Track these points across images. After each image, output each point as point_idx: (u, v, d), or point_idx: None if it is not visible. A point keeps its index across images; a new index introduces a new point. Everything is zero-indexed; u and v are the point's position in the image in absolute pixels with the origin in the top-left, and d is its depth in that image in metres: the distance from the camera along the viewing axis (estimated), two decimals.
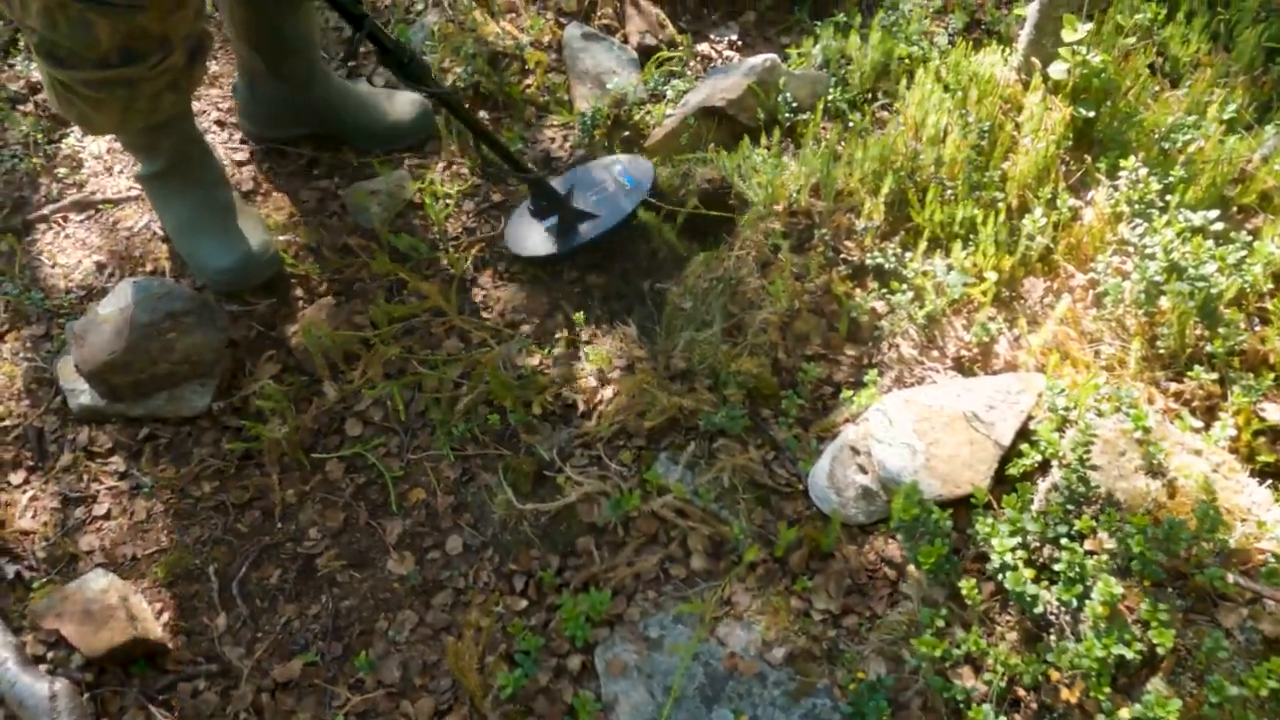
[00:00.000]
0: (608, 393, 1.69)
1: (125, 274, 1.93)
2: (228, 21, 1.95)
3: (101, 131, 1.78)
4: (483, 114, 2.26)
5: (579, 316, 1.80)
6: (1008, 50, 2.09)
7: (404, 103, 2.17)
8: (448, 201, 2.06)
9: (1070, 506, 1.37)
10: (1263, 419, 1.50)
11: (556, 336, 1.83)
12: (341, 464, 1.70)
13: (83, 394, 1.73)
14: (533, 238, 1.93)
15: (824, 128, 2.11)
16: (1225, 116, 1.95)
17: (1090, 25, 1.82)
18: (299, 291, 1.93)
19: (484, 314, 1.89)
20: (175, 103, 1.68)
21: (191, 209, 1.86)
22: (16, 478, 1.68)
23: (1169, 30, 2.26)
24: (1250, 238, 1.65)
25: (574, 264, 1.97)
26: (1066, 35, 1.83)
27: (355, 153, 2.16)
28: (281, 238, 1.99)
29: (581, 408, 1.69)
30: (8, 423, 1.74)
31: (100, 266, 1.96)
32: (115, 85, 1.55)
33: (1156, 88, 2.07)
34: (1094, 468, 1.38)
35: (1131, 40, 2.00)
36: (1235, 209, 1.78)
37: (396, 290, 1.93)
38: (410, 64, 1.72)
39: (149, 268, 1.96)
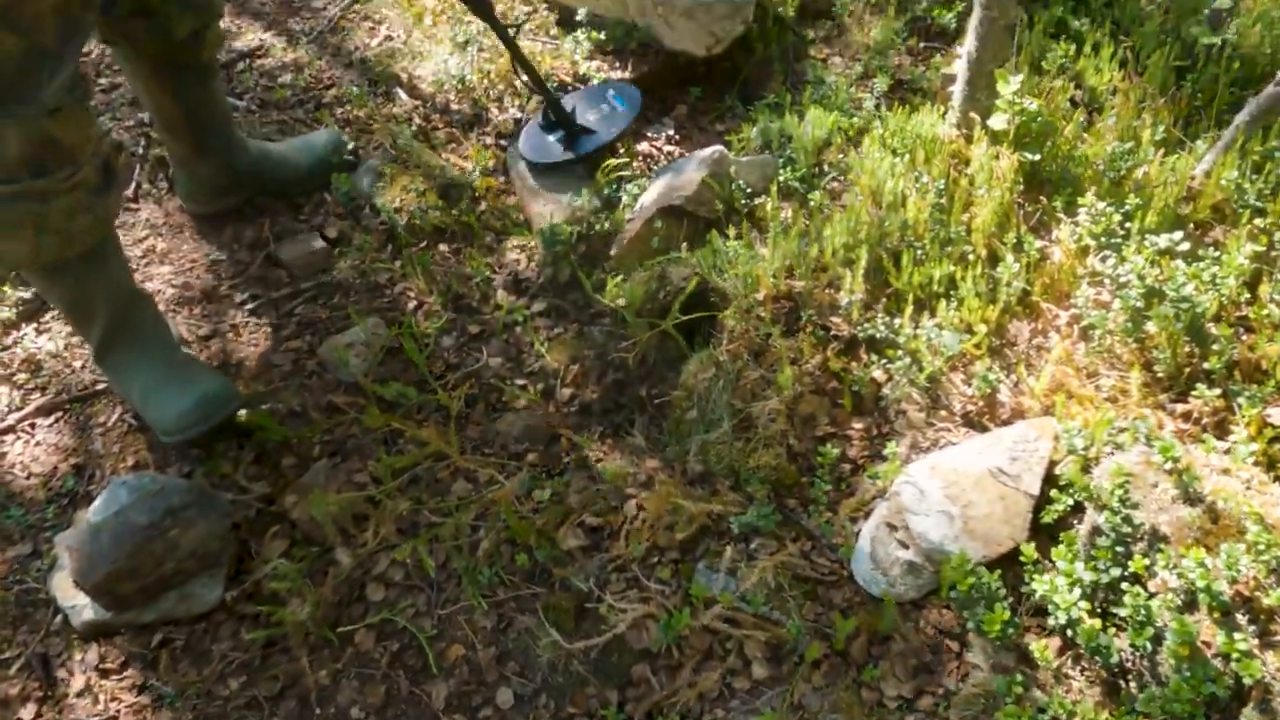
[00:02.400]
0: (631, 509, 1.67)
1: (109, 473, 1.86)
2: (153, 116, 2.13)
3: (17, 264, 1.75)
4: (442, 246, 2.26)
5: (584, 439, 1.78)
6: (940, 108, 2.16)
7: (314, 144, 2.34)
8: (426, 341, 2.04)
9: (1119, 548, 1.38)
10: (1274, 425, 1.54)
11: (565, 461, 1.80)
12: (371, 633, 1.63)
13: (85, 609, 1.64)
14: (546, 147, 2.32)
15: (782, 207, 2.15)
16: (1157, 138, 2.04)
17: (1021, 76, 1.90)
18: (291, 459, 1.87)
19: (486, 450, 1.86)
20: (91, 228, 1.67)
21: (145, 374, 1.84)
22: (27, 713, 1.58)
23: (1081, 63, 2.37)
24: (1216, 251, 1.71)
25: (565, 383, 1.96)
26: (1001, 89, 1.90)
27: (290, 208, 2.31)
28: (264, 406, 1.94)
29: (608, 530, 1.66)
30: (8, 654, 1.65)
31: (79, 470, 1.89)
32: (27, 199, 1.56)
33: (1084, 119, 2.16)
34: (1135, 506, 1.39)
35: (1055, 82, 2.09)
36: (1193, 225, 1.85)
37: (392, 441, 1.89)
38: None
39: (131, 462, 1.89)
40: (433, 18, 2.76)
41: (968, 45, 1.95)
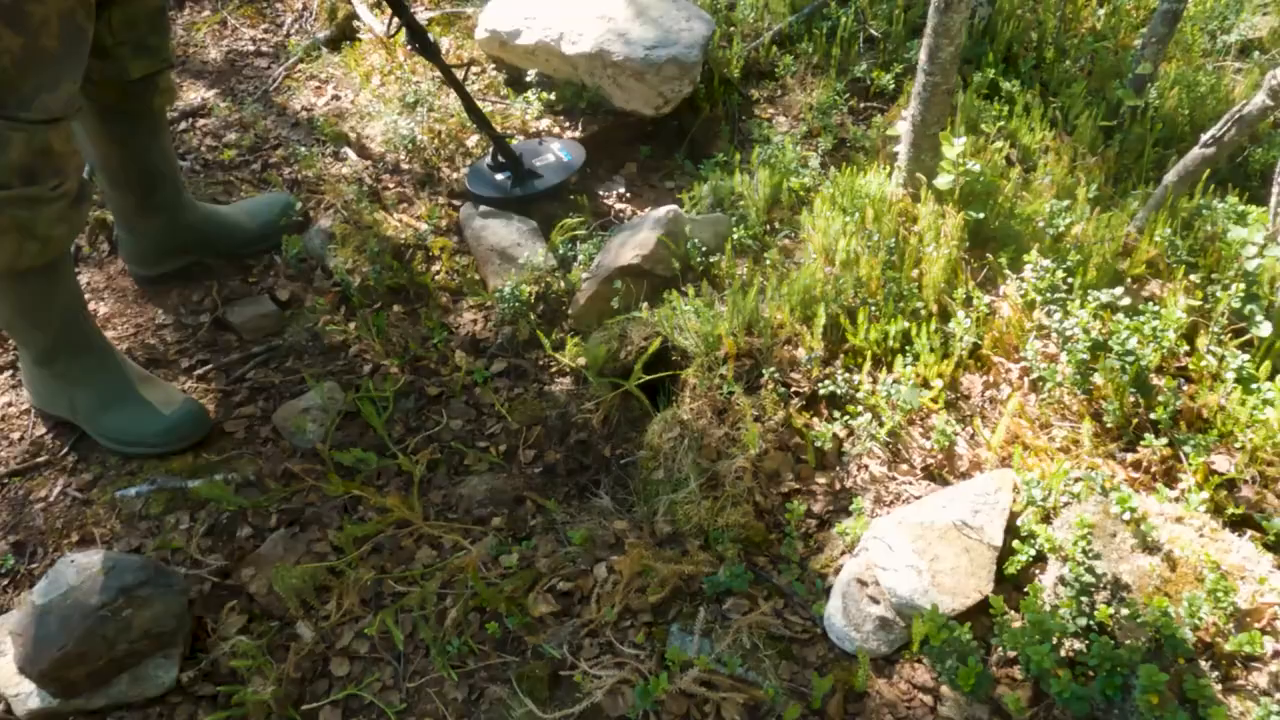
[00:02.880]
0: (602, 572, 1.66)
1: (52, 551, 1.78)
2: (100, 170, 2.08)
3: None
4: (397, 307, 2.24)
5: (552, 504, 1.77)
6: (885, 167, 2.23)
7: (260, 207, 2.33)
8: (384, 405, 2.01)
9: (1084, 598, 1.42)
10: (1219, 474, 1.60)
11: (531, 524, 1.79)
12: (336, 709, 1.58)
13: (31, 697, 1.56)
14: (493, 184, 2.39)
15: (737, 264, 2.18)
16: (1091, 195, 2.14)
17: (964, 140, 1.98)
18: (247, 530, 1.82)
19: (450, 515, 1.83)
20: (65, 236, 1.73)
21: (100, 382, 1.90)
22: None
23: (1014, 123, 2.48)
24: (1155, 305, 1.79)
25: (528, 444, 1.95)
26: (946, 150, 1.98)
27: (239, 270, 2.29)
28: (217, 476, 1.89)
29: (579, 595, 1.65)
30: None
31: (20, 548, 1.80)
32: (17, 205, 1.61)
33: (1021, 177, 2.25)
34: (1097, 556, 1.43)
35: (994, 143, 2.17)
36: (1130, 280, 1.94)
37: (352, 508, 1.85)
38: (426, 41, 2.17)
39: (76, 538, 1.81)
40: (380, 77, 2.77)
41: (911, 109, 2.02)
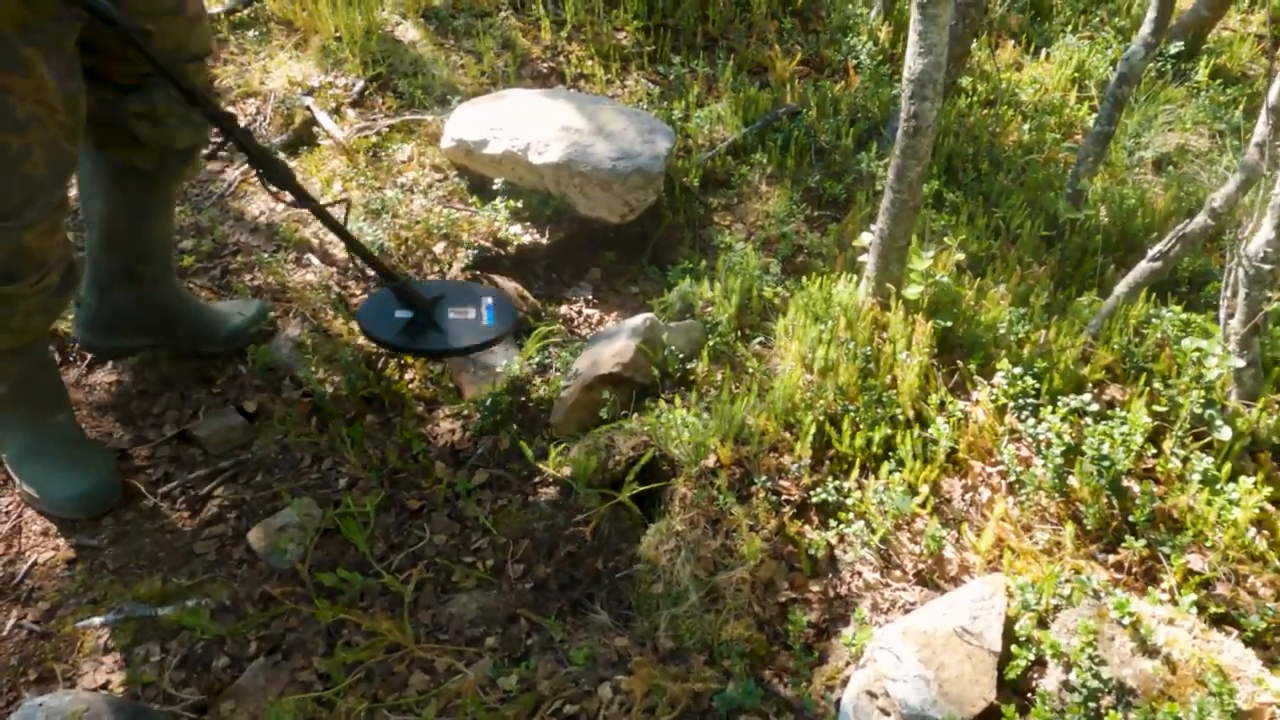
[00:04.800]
0: (607, 693, 1.63)
1: (8, 692, 1.66)
2: (94, 228, 2.04)
3: None
4: (370, 417, 2.20)
5: (550, 621, 1.74)
6: (850, 276, 2.32)
7: (237, 311, 2.28)
8: (365, 520, 1.96)
9: (1091, 704, 1.45)
10: (1196, 573, 1.68)
11: (527, 643, 1.75)
12: None
13: None
14: (385, 322, 2.10)
15: (714, 370, 2.22)
16: (1043, 302, 2.26)
17: (933, 253, 2.08)
18: (224, 660, 1.73)
19: (441, 636, 1.78)
20: (43, 325, 1.74)
21: (34, 436, 1.90)
22: None
23: (961, 232, 2.62)
24: (1120, 411, 1.89)
25: (516, 558, 1.91)
26: (916, 263, 2.07)
27: (202, 381, 2.22)
28: (188, 602, 1.80)
29: (585, 718, 1.61)
30: None
31: None
32: None
33: (977, 285, 2.37)
34: (1101, 662, 1.48)
35: (952, 255, 2.29)
36: (1092, 385, 2.04)
37: (336, 632, 1.78)
38: (277, 168, 1.85)
39: (33, 675, 1.69)
40: (342, 183, 2.76)
41: (880, 224, 2.12)
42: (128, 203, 2.01)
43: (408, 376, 2.27)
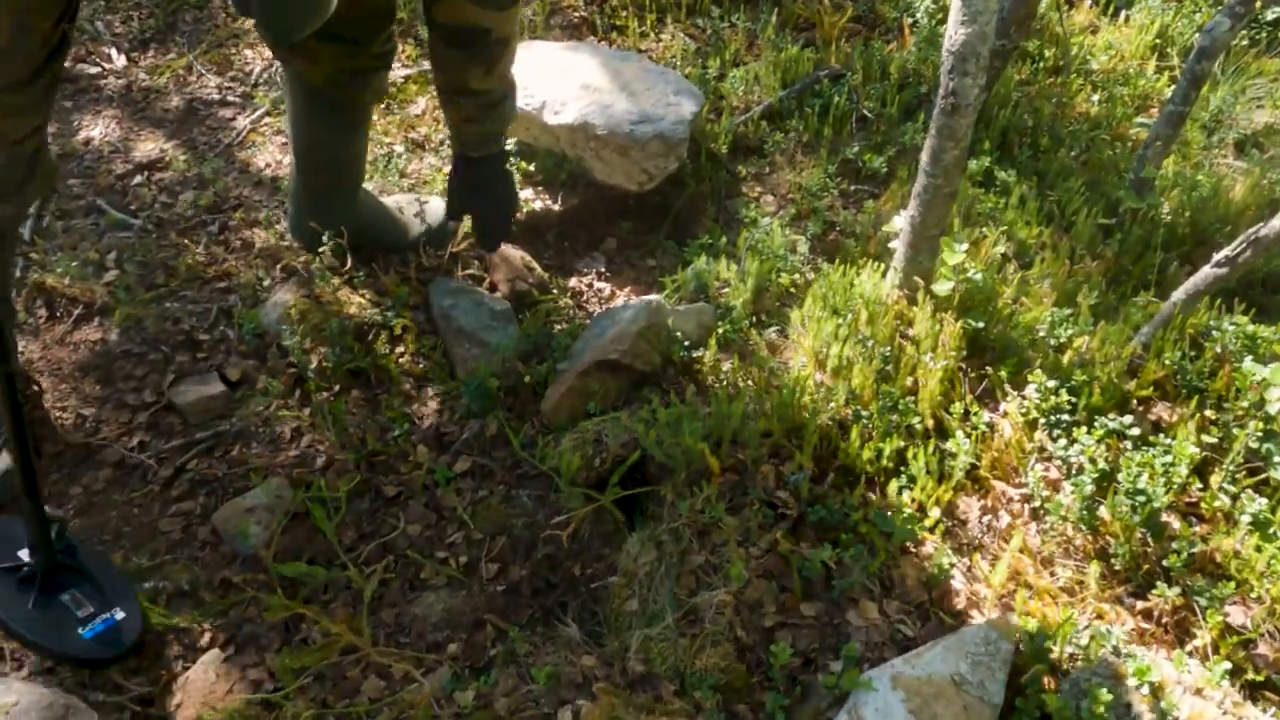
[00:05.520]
0: (566, 717, 1.51)
1: None
2: (290, 142, 2.15)
3: None
4: (356, 392, 2.09)
5: (515, 633, 1.62)
6: (878, 265, 2.12)
7: (430, 212, 2.34)
8: (337, 505, 1.85)
9: None
10: (1235, 629, 1.49)
11: (491, 653, 1.64)
12: None
13: None
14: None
15: (721, 359, 2.06)
16: (1091, 303, 2.04)
17: (966, 245, 1.88)
18: (176, 649, 1.65)
19: (402, 639, 1.68)
20: (5, 214, 1.64)
21: None
22: None
23: (1009, 215, 2.39)
24: (1166, 437, 1.69)
25: (491, 556, 1.80)
26: (947, 257, 1.87)
27: (189, 345, 2.14)
28: (145, 584, 1.72)
29: None
30: None
31: None
32: None
33: (1018, 275, 2.16)
34: None
35: (996, 248, 2.08)
36: (1136, 401, 1.83)
37: (294, 626, 1.69)
38: None
39: None
40: None
41: (911, 210, 1.92)
42: (314, 122, 2.05)
43: (397, 351, 2.15)
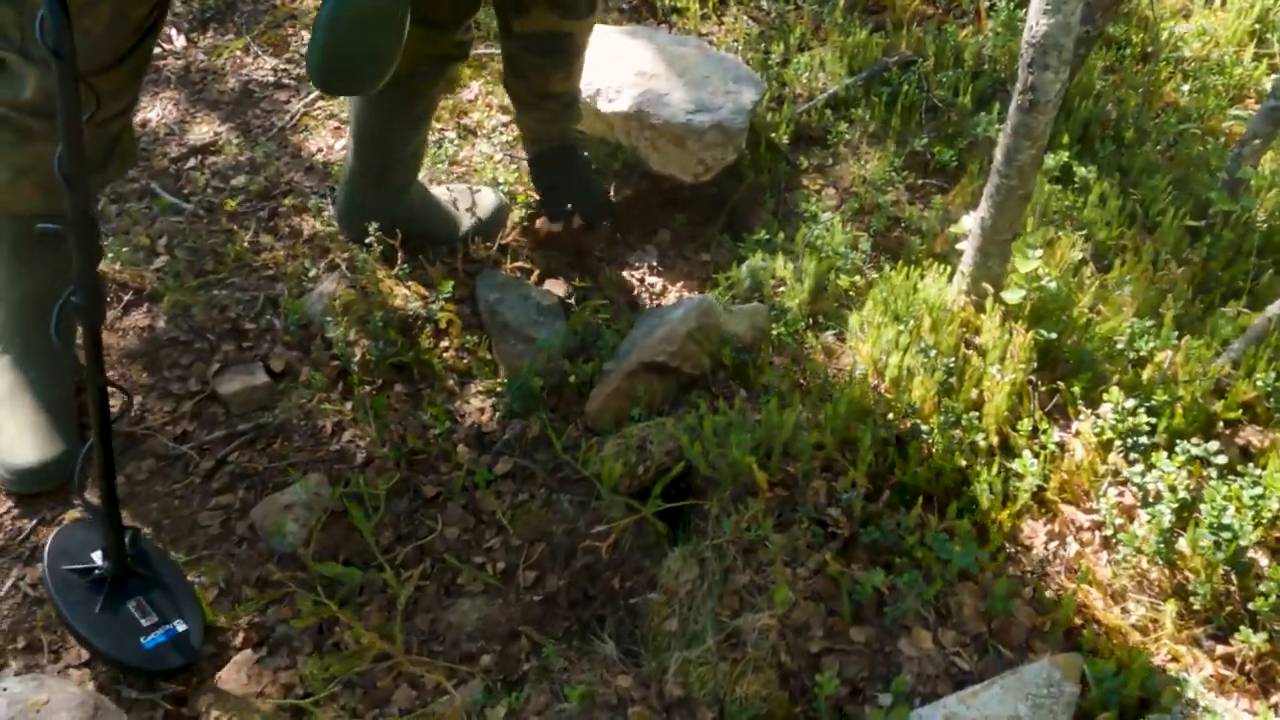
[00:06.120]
0: None
1: None
2: (350, 128, 2.10)
3: None
4: (399, 387, 2.04)
5: (550, 648, 1.57)
6: (942, 267, 2.01)
7: (481, 203, 2.28)
8: (375, 504, 1.82)
9: None
10: None
11: (524, 668, 1.59)
12: None
13: None
14: (74, 566, 1.61)
15: (773, 363, 1.97)
16: (1175, 313, 1.90)
17: (1040, 253, 1.76)
18: (210, 648, 1.63)
19: (435, 648, 1.63)
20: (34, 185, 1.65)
21: (8, 386, 1.80)
22: None
23: (1088, 214, 2.25)
24: (1256, 466, 1.56)
25: (529, 563, 1.74)
26: (1020, 264, 1.75)
27: (235, 334, 2.11)
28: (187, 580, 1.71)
29: None
30: None
31: None
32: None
33: (1095, 280, 2.02)
34: None
35: (1073, 252, 1.95)
36: (1222, 424, 1.70)
37: (328, 629, 1.66)
38: None
39: (22, 643, 1.63)
40: None
41: (981, 211, 1.80)
42: (381, 114, 2.01)
43: (442, 345, 2.11)
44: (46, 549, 1.63)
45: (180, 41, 2.95)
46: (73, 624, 1.58)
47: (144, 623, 1.58)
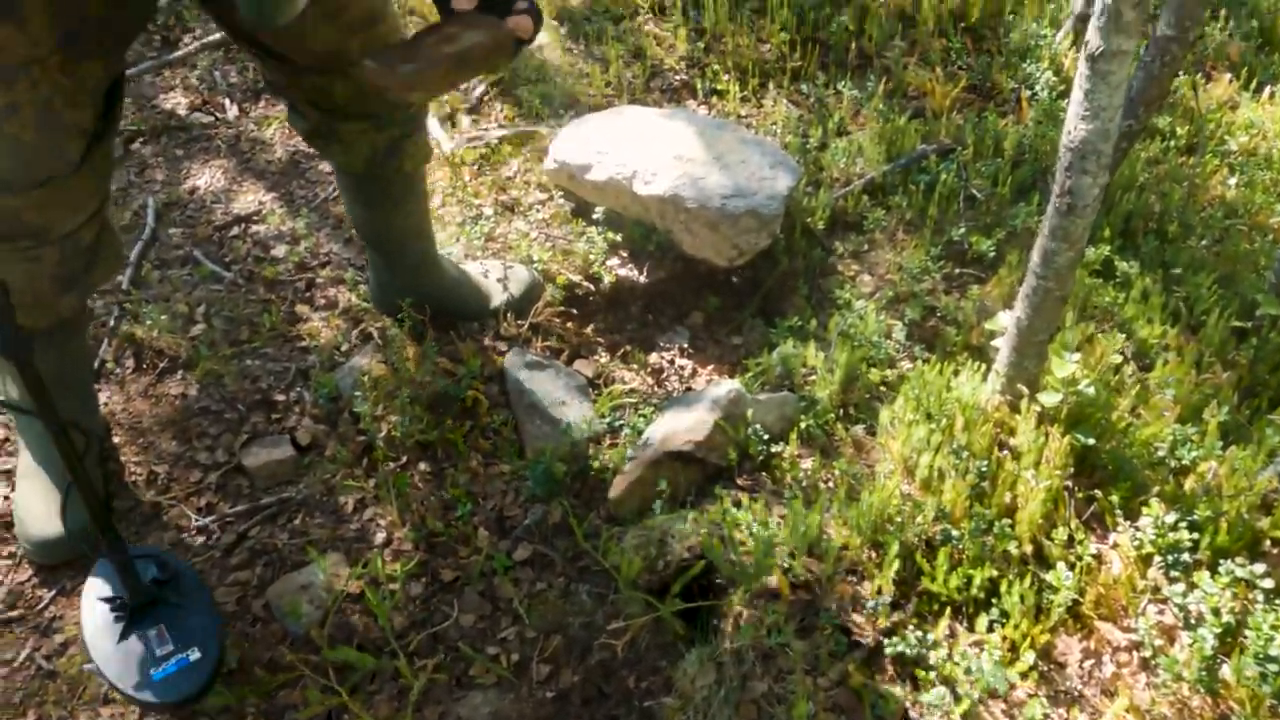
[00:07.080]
0: None
1: None
2: (351, 224, 2.16)
3: None
4: (424, 466, 2.04)
5: None
6: (978, 365, 1.97)
7: (514, 279, 2.28)
8: (392, 588, 1.80)
9: None
10: None
11: None
12: None
13: None
14: (112, 650, 1.57)
15: (801, 457, 1.93)
16: (1220, 419, 1.84)
17: (1078, 356, 1.72)
18: None
19: None
20: (56, 302, 1.67)
21: (42, 452, 1.83)
22: None
23: (1129, 310, 2.20)
24: None
25: (544, 656, 1.71)
26: (1057, 369, 1.71)
27: (264, 406, 2.13)
28: None
29: None
30: None
31: None
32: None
33: (1135, 380, 1.97)
34: None
35: (1101, 335, 1.90)
36: (1269, 543, 1.63)
37: (336, 717, 1.63)
38: None
39: (31, 716, 1.62)
40: (442, 197, 2.62)
41: (1017, 310, 1.77)
42: (365, 204, 2.01)
43: (468, 424, 2.10)
44: (88, 579, 1.66)
45: (233, 111, 3.03)
46: (89, 654, 1.58)
47: (159, 652, 1.56)
